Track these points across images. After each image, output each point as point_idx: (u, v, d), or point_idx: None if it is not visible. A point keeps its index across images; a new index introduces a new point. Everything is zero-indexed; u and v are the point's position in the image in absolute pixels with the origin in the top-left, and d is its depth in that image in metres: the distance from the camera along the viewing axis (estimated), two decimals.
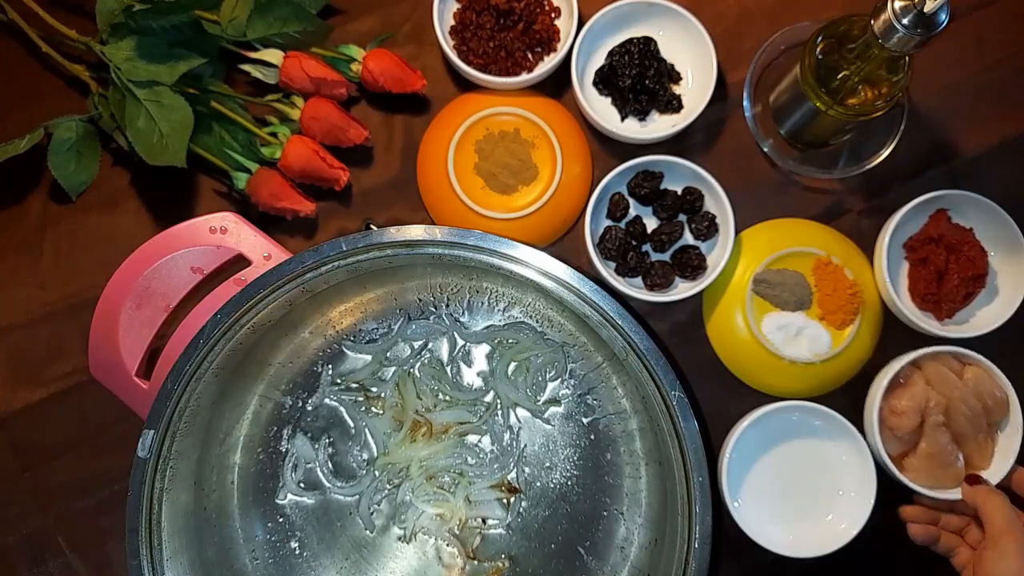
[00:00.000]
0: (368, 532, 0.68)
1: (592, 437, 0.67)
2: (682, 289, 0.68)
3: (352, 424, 0.68)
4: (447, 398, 0.68)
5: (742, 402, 0.69)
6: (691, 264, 0.67)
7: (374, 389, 0.68)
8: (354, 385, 0.68)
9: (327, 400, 0.68)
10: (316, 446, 0.68)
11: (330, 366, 0.68)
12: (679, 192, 0.69)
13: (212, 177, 0.72)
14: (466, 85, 0.72)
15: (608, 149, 0.72)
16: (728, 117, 0.72)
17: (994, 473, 0.64)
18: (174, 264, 0.63)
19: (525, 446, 0.68)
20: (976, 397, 0.63)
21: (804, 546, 0.64)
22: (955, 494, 0.63)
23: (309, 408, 0.68)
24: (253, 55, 0.69)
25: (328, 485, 0.68)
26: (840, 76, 0.61)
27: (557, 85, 0.72)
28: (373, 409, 0.68)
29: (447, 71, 0.73)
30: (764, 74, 0.71)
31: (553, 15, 0.71)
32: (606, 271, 0.67)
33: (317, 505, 0.68)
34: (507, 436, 0.68)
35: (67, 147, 0.68)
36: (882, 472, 0.64)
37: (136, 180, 0.73)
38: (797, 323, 0.67)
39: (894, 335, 0.69)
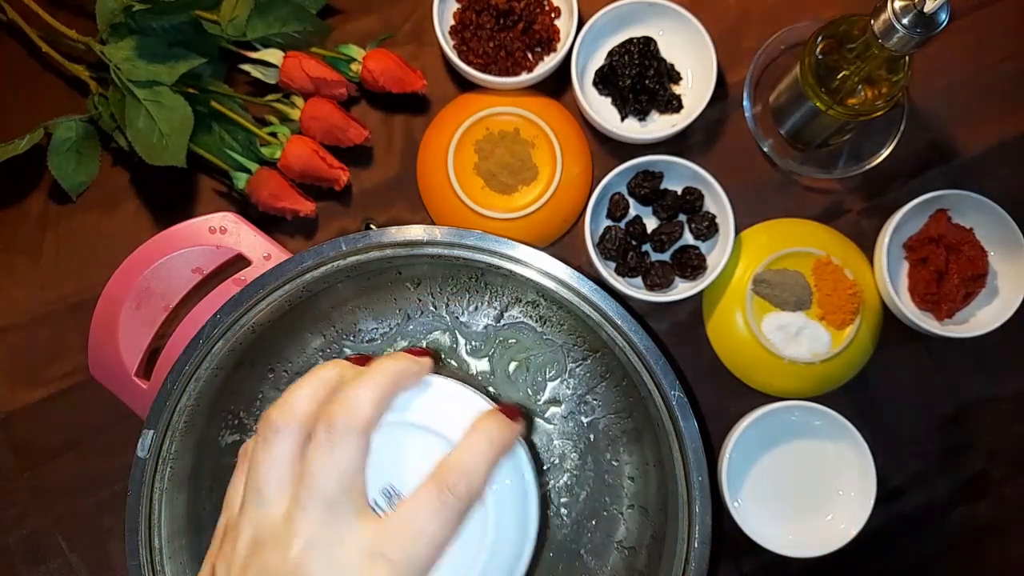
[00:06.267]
0: None
1: (592, 437, 0.67)
2: (682, 289, 0.68)
3: None
4: None
5: (742, 402, 0.69)
6: (691, 264, 0.67)
7: None
8: None
9: None
10: None
11: None
12: (679, 192, 0.69)
13: (212, 177, 0.72)
14: (466, 85, 0.72)
15: (608, 149, 0.72)
16: (728, 117, 0.72)
17: None
18: (174, 264, 0.63)
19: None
20: None
21: (804, 546, 0.64)
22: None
23: None
24: (253, 55, 0.69)
25: None
26: (840, 76, 0.61)
27: (557, 85, 0.72)
28: None
29: (447, 71, 0.73)
30: (764, 74, 0.71)
31: (553, 15, 0.71)
32: (606, 271, 0.67)
33: None
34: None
35: (67, 147, 0.68)
36: (882, 472, 0.64)
37: (136, 180, 0.73)
38: (797, 323, 0.67)
39: (894, 335, 0.69)
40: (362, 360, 0.43)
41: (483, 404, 0.43)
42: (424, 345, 0.68)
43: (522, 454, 0.43)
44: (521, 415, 0.43)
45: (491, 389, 0.67)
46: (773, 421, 0.66)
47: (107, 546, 0.70)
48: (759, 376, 0.69)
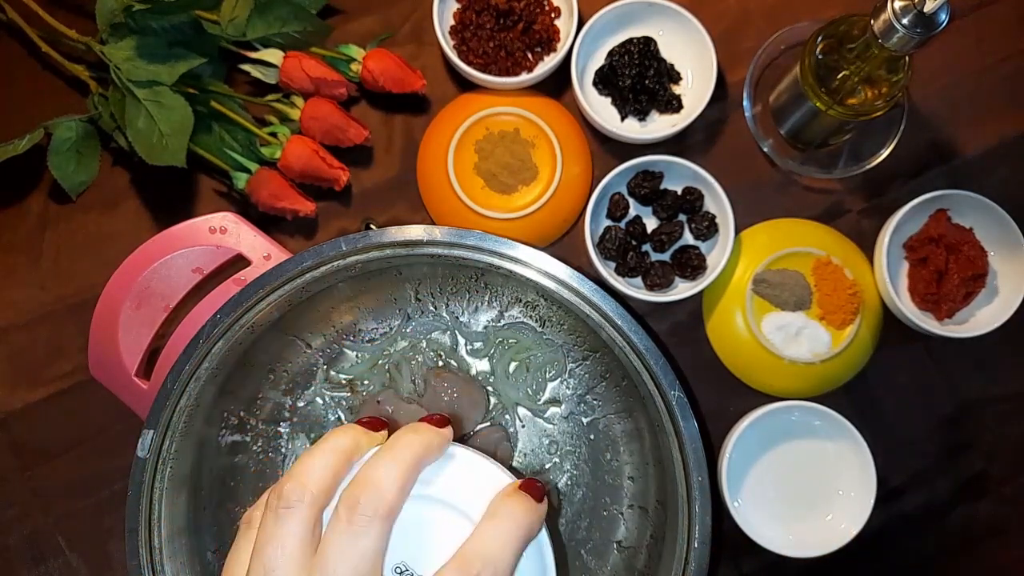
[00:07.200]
0: None
1: (592, 437, 0.67)
2: (682, 289, 0.68)
3: (345, 423, 0.68)
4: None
5: (742, 402, 0.69)
6: (691, 264, 0.67)
7: (365, 382, 0.68)
8: (343, 380, 0.68)
9: (317, 399, 0.68)
10: None
11: (328, 366, 0.68)
12: (679, 192, 0.69)
13: (212, 177, 0.72)
14: (466, 85, 0.72)
15: (608, 149, 0.72)
16: (728, 117, 0.72)
17: None
18: (174, 264, 0.63)
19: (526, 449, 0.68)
20: None
21: (804, 546, 0.64)
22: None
23: (307, 408, 0.68)
24: (253, 55, 0.69)
25: None
26: (840, 76, 0.61)
27: (557, 85, 0.72)
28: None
29: (447, 71, 0.73)
30: (764, 74, 0.71)
31: (553, 15, 0.71)
32: (606, 271, 0.67)
33: None
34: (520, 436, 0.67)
35: (67, 147, 0.68)
36: (882, 472, 0.64)
37: (136, 180, 0.73)
38: (797, 323, 0.67)
39: (894, 335, 0.69)
40: (375, 423, 0.41)
41: (505, 478, 0.40)
42: (424, 345, 0.68)
43: (544, 537, 0.40)
44: (546, 493, 0.39)
45: (491, 389, 0.68)
46: (773, 421, 0.66)
47: (107, 546, 0.70)
48: (759, 376, 0.69)
